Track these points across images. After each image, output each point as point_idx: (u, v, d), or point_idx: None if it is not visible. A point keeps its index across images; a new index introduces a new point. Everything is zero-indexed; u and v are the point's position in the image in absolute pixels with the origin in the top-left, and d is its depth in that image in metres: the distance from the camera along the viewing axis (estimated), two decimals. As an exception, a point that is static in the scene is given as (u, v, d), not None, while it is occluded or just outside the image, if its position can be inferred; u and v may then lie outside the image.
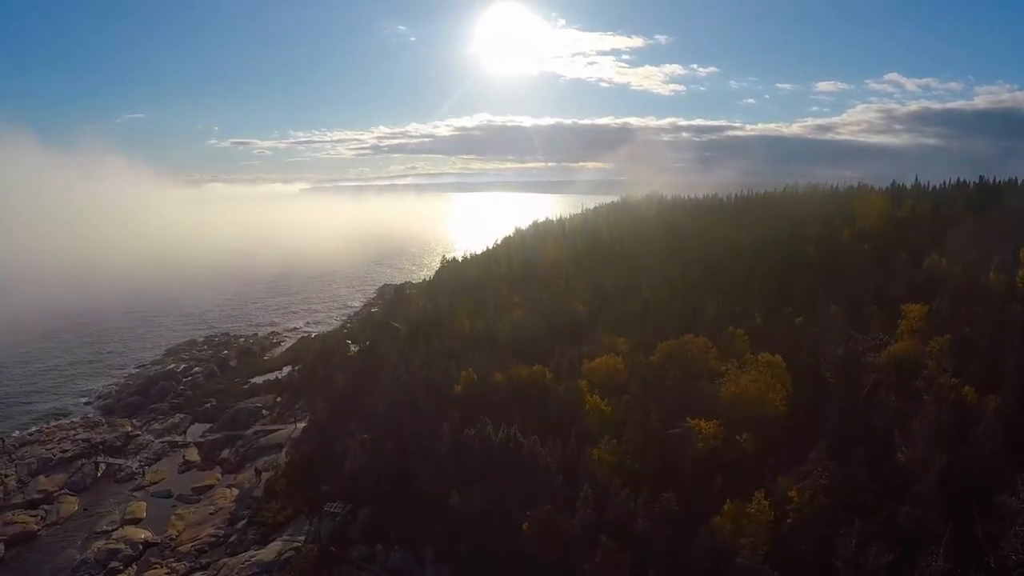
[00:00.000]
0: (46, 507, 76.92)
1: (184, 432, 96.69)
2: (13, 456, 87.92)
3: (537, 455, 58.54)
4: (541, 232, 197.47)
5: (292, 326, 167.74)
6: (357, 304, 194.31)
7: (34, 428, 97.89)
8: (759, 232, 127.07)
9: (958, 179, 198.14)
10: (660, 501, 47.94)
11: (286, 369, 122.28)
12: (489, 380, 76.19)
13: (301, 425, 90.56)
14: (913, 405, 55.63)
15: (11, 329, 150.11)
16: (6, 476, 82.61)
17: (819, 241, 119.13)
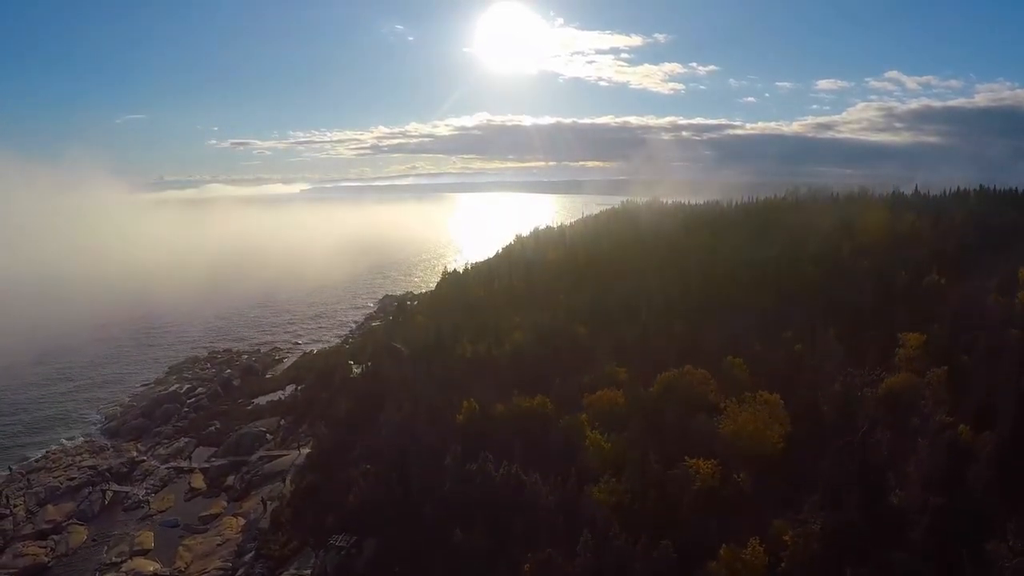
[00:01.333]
0: (55, 537, 77.80)
1: (189, 457, 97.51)
2: (21, 485, 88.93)
3: (538, 494, 59.52)
4: (541, 243, 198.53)
5: (294, 341, 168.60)
6: (358, 317, 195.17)
7: (40, 455, 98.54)
8: (759, 250, 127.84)
9: (958, 188, 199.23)
10: (658, 548, 48.87)
11: (289, 388, 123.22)
12: (491, 411, 77.20)
13: (305, 451, 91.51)
14: (909, 443, 56.62)
15: (7, 351, 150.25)
16: (15, 506, 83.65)
17: (819, 259, 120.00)
